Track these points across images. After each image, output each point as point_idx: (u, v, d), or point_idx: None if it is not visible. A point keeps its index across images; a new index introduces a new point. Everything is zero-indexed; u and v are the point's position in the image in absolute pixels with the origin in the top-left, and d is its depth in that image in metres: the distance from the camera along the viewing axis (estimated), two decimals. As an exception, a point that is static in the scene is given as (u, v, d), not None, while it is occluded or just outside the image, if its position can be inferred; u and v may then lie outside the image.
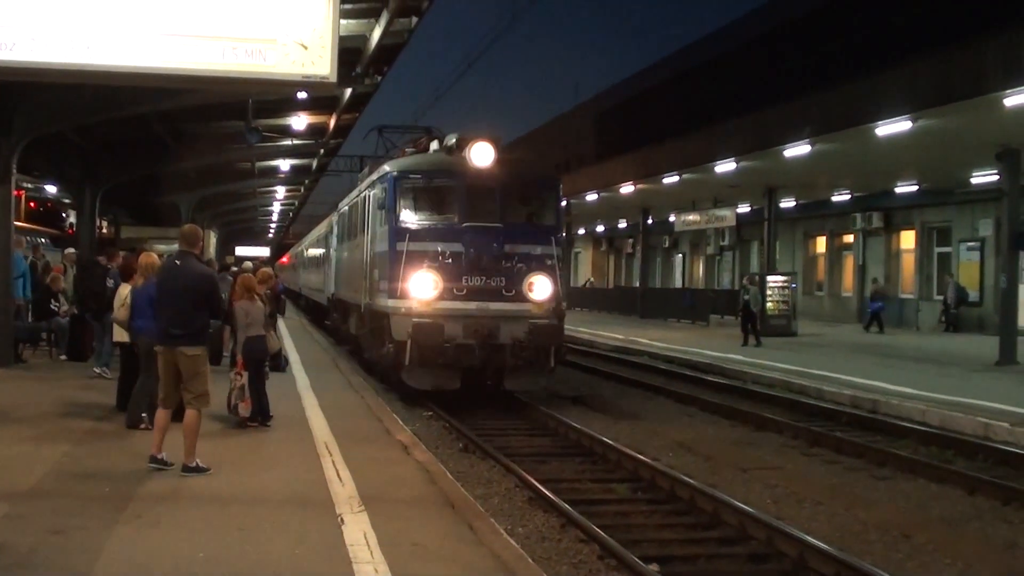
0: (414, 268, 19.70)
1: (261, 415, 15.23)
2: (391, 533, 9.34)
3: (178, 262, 12.11)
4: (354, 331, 27.20)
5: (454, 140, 21.50)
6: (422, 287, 19.65)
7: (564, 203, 23.13)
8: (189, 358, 11.69)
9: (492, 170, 20.33)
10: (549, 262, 20.40)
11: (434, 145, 23.13)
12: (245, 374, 15.31)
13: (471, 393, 20.31)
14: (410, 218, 20.74)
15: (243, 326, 15.46)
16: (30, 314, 23.70)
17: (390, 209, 20.69)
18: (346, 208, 31.35)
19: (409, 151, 24.29)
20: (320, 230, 46.80)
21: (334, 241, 35.37)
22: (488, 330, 19.49)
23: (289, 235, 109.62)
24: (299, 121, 34.62)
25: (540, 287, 20.07)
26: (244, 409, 15.20)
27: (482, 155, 20.31)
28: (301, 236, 76.10)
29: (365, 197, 24.61)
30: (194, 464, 11.60)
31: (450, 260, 19.84)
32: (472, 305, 19.74)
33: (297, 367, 23.64)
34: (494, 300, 19.84)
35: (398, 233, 20.22)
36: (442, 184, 21.08)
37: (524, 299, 19.94)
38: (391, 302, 20.06)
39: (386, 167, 22.33)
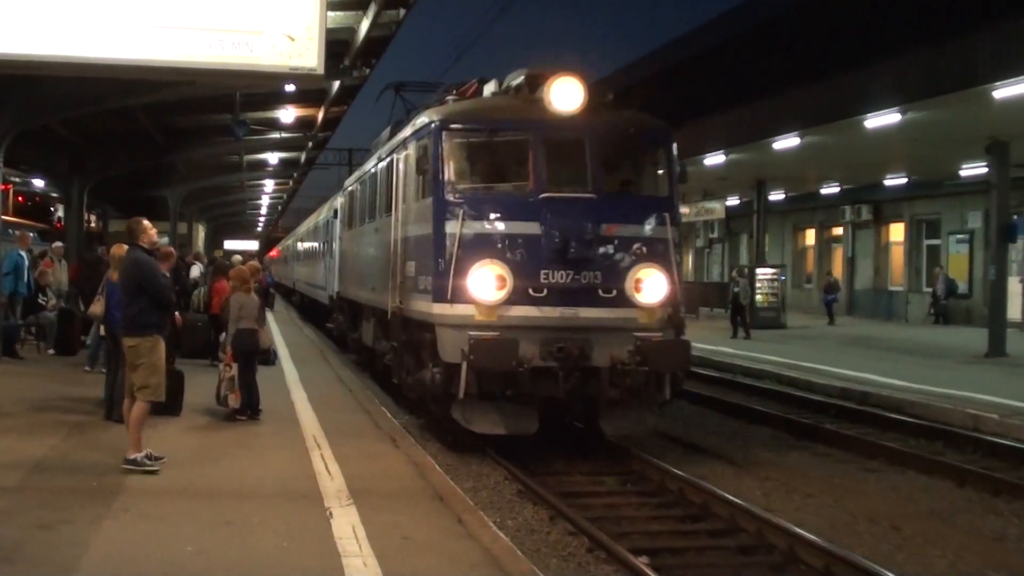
0: (471, 259, 14.21)
1: (251, 408, 15.21)
2: (380, 526, 9.33)
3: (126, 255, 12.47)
4: (370, 342, 21.41)
5: (522, 77, 15.87)
6: (483, 286, 14.12)
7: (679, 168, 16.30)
8: (128, 348, 11.73)
9: (581, 118, 14.82)
10: (663, 249, 14.88)
11: (490, 88, 17.19)
12: (234, 366, 15.31)
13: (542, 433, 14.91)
14: (464, 187, 15.15)
15: (235, 319, 15.44)
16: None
17: (435, 175, 14.87)
18: (356, 184, 24.99)
19: (451, 100, 17.32)
20: (318, 217, 40.62)
21: (338, 228, 29.47)
22: (578, 348, 14.12)
23: (278, 229, 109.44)
24: (287, 114, 34.53)
25: (652, 285, 14.50)
26: (234, 401, 15.20)
27: (567, 96, 14.79)
28: (290, 230, 75.54)
29: (391, 164, 18.22)
30: (133, 457, 11.39)
31: (522, 246, 14.33)
32: (555, 312, 14.22)
33: (286, 361, 23.59)
34: (586, 304, 14.33)
35: (447, 209, 14.66)
36: (510, 138, 15.29)
37: (629, 302, 14.45)
38: (438, 307, 14.43)
39: (425, 117, 16.17)
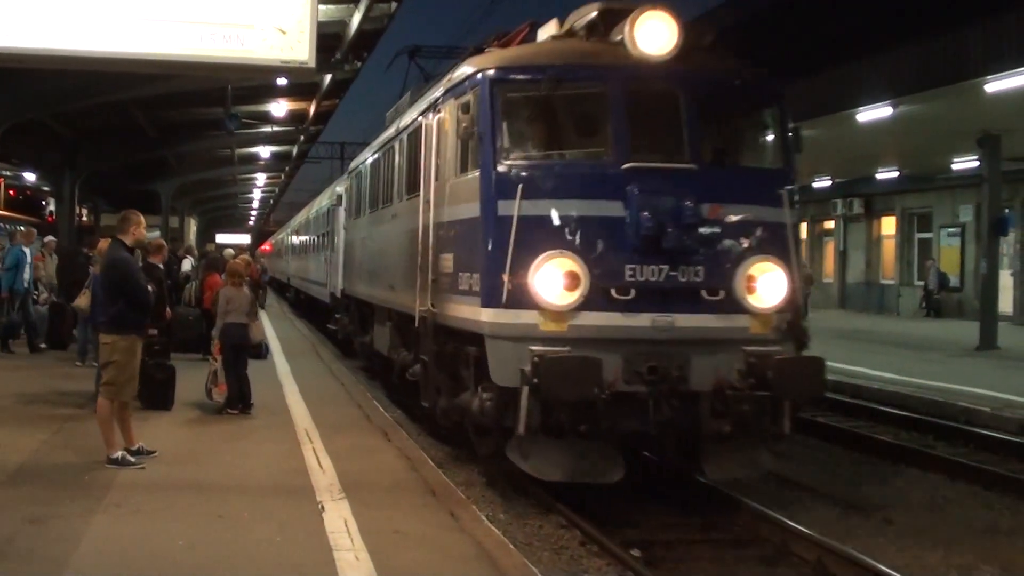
0: (534, 249, 11.06)
1: (242, 402, 15.19)
2: (372, 520, 9.32)
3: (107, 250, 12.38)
4: (385, 350, 18.09)
5: (594, 14, 12.27)
6: (550, 285, 10.97)
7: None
8: (104, 345, 11.70)
9: (674, 65, 11.53)
10: (780, 236, 11.70)
11: (548, 31, 13.50)
12: (219, 359, 15.35)
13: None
14: (523, 156, 11.84)
15: (223, 312, 15.43)
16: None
17: (484, 141, 11.56)
18: (366, 164, 21.50)
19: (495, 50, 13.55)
20: (318, 205, 36.94)
21: (342, 217, 26.36)
22: (675, 367, 11.05)
23: (270, 222, 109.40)
24: (279, 108, 34.53)
25: (768, 284, 11.41)
26: (218, 394, 15.25)
27: (656, 36, 11.44)
28: (282, 223, 75.34)
29: (416, 133, 14.95)
30: (114, 457, 11.31)
31: (601, 233, 11.17)
32: (644, 319, 11.10)
33: (278, 354, 23.58)
34: (684, 308, 11.24)
35: (501, 184, 11.39)
36: (583, 91, 11.98)
37: (739, 306, 11.34)
38: (488, 314, 11.27)
39: (468, 67, 12.71)
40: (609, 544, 10.12)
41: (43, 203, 62.00)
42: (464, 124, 11.91)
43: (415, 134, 15.04)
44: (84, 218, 50.72)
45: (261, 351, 21.16)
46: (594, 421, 10.74)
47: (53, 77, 21.02)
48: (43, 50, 11.09)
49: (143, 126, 34.14)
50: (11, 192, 58.74)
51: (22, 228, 27.93)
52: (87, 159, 35.43)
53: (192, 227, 70.25)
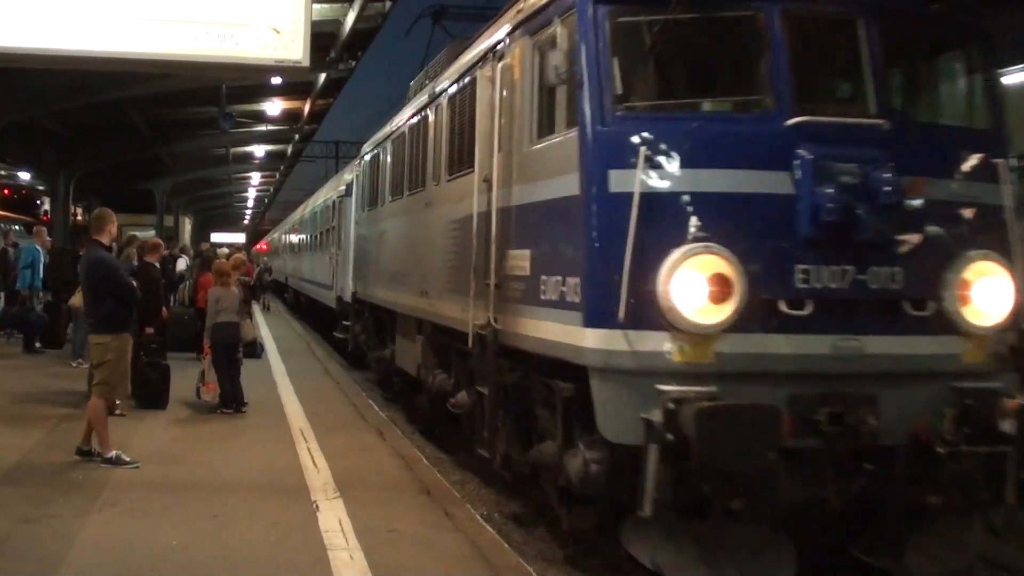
0: (663, 240, 7.84)
1: (235, 402, 15.19)
2: (366, 519, 9.33)
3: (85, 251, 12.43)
4: (413, 368, 15.18)
5: None
6: (692, 295, 7.75)
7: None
8: (95, 345, 11.66)
9: None
10: (998, 223, 8.47)
11: None
12: (207, 358, 15.40)
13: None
14: (641, 106, 8.60)
15: (212, 312, 15.45)
16: (2, 300, 23.55)
17: (586, 83, 8.27)
18: (384, 147, 18.18)
19: None
20: (321, 198, 33.48)
21: (352, 209, 23.01)
22: (865, 410, 7.85)
23: (265, 221, 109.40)
24: (273, 107, 34.54)
25: (988, 292, 8.23)
26: (206, 393, 15.35)
27: None
28: (277, 222, 75.01)
29: (468, 90, 11.68)
30: (109, 456, 11.33)
31: (760, 218, 7.99)
32: (821, 344, 7.93)
33: (273, 353, 23.58)
34: (876, 328, 8.05)
35: (612, 145, 8.13)
36: (727, 15, 8.64)
37: (949, 324, 8.19)
38: (595, 336, 8.01)
39: None
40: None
41: (38, 202, 61.98)
42: (553, 66, 8.45)
43: (463, 94, 11.74)
44: (79, 217, 50.66)
45: (256, 350, 21.16)
46: (758, 494, 7.50)
47: (47, 76, 21.03)
48: (37, 49, 11.09)
49: (138, 125, 34.12)
50: (6, 191, 58.67)
51: (16, 227, 27.99)
52: (82, 158, 35.41)
53: (187, 226, 70.16)
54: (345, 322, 23.12)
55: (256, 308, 30.69)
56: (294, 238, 45.01)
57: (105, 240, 11.94)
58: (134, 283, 12.02)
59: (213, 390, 15.31)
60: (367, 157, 20.63)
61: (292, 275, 44.87)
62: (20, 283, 21.92)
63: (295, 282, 43.25)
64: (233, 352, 15.44)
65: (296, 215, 47.78)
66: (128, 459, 11.33)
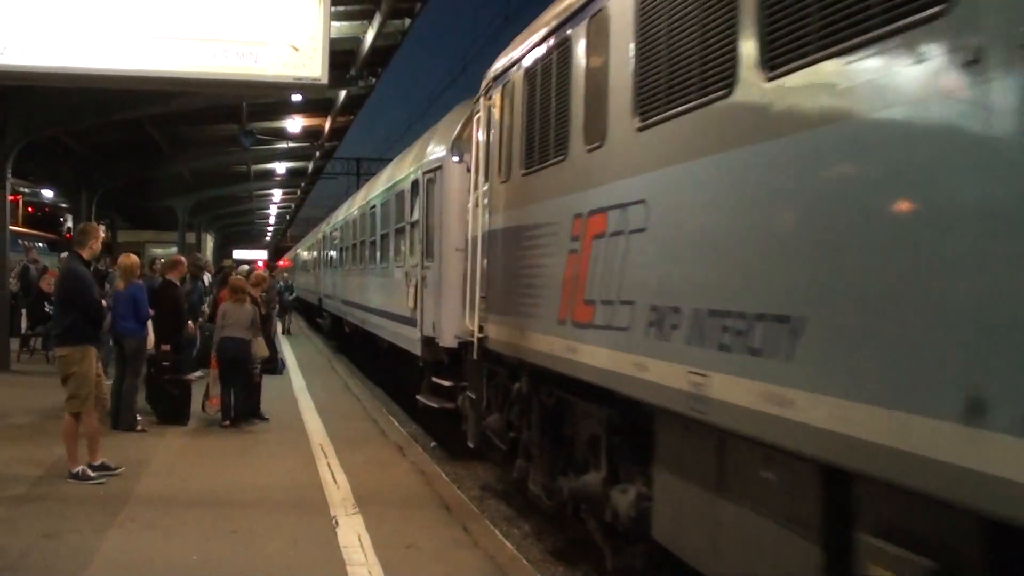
0: None
1: (235, 415, 15.25)
2: (385, 535, 9.33)
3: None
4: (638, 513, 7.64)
5: None
6: None
7: None
8: (59, 357, 11.68)
9: None
10: None
11: None
12: (212, 372, 15.62)
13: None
14: None
15: (219, 326, 15.56)
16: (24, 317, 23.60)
17: None
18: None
19: None
20: (382, 183, 23.86)
21: (462, 185, 14.66)
22: None
23: (287, 238, 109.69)
24: (294, 124, 34.57)
25: None
26: (210, 408, 15.37)
27: None
28: (299, 239, 74.84)
29: None
30: (75, 472, 11.25)
31: None
32: None
33: (293, 370, 23.63)
34: None
35: None
36: None
37: None
38: None
39: None
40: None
41: (61, 219, 62.35)
42: None
43: None
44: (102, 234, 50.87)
45: (276, 366, 21.21)
46: None
47: (69, 95, 21.17)
48: (59, 68, 11.23)
49: (159, 143, 34.26)
50: (30, 209, 59.09)
51: (39, 244, 27.98)
52: (103, 176, 35.56)
53: (209, 243, 70.39)
54: (441, 380, 15.49)
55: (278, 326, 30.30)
56: (332, 252, 36.55)
57: (85, 255, 11.83)
58: (103, 301, 11.94)
59: (216, 405, 15.39)
60: (519, 73, 10.72)
61: (332, 296, 36.23)
62: None
63: (335, 305, 34.67)
64: (239, 367, 15.46)
65: (336, 218, 37.23)
66: (93, 475, 11.23)
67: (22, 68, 11.24)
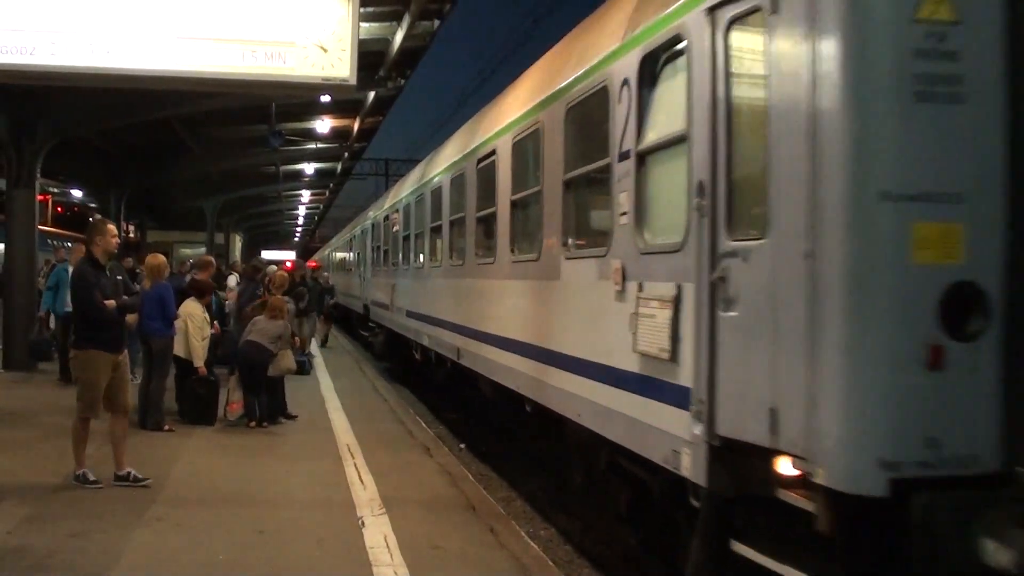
0: None
1: (271, 416, 15.38)
2: (411, 536, 9.32)
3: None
4: None
5: None
6: None
7: None
8: (71, 359, 11.56)
9: None
10: None
11: None
12: (232, 378, 15.71)
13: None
14: None
15: (247, 331, 15.62)
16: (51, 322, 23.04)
17: None
18: None
19: None
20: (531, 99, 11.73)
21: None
22: None
23: (316, 239, 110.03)
24: (323, 125, 34.64)
25: None
26: (231, 413, 15.37)
27: None
28: (327, 240, 74.53)
29: None
30: (77, 473, 11.04)
31: None
32: None
33: (321, 370, 23.65)
34: None
35: None
36: None
37: None
38: None
39: None
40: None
41: (91, 219, 62.71)
42: None
43: None
44: (131, 235, 51.17)
45: (304, 367, 21.21)
46: None
47: (98, 95, 21.24)
48: (87, 68, 11.28)
49: (187, 143, 34.39)
50: (59, 208, 59.43)
51: (69, 244, 27.52)
52: (132, 176, 35.76)
53: (237, 243, 70.68)
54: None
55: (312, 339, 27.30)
56: (394, 238, 24.87)
57: (97, 253, 11.15)
58: (106, 303, 11.00)
59: (236, 410, 15.38)
60: None
61: (386, 305, 25.54)
62: (45, 304, 20.48)
63: (394, 319, 23.98)
64: (255, 371, 15.44)
65: (402, 192, 24.39)
66: (92, 479, 10.97)
67: (51, 68, 11.29)
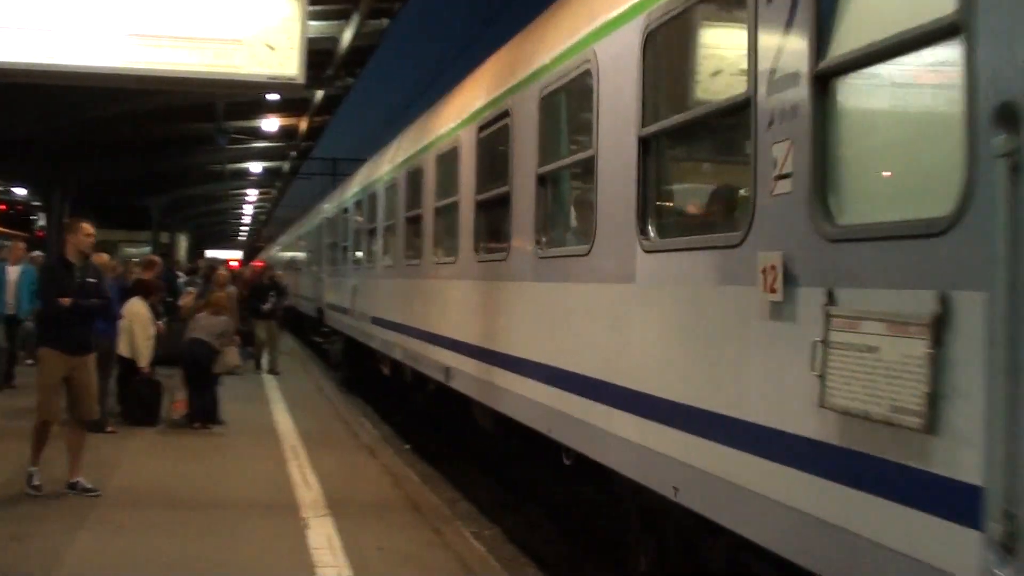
0: None
1: (204, 417, 15.17)
2: (356, 537, 9.31)
3: None
4: None
5: None
6: None
7: None
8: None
9: None
10: None
11: None
12: (177, 374, 15.61)
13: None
14: None
15: (189, 328, 15.56)
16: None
17: None
18: None
19: None
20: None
21: None
22: None
23: (261, 238, 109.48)
24: (270, 123, 34.48)
25: None
26: (174, 412, 15.30)
27: None
28: (273, 239, 73.78)
29: None
30: (29, 471, 10.73)
31: None
32: None
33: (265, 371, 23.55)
34: None
35: None
36: None
37: None
38: None
39: None
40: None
41: (33, 218, 61.98)
42: None
43: None
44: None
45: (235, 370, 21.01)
46: None
47: (42, 92, 21.02)
48: (31, 64, 11.15)
49: (133, 141, 34.12)
50: (2, 207, 58.74)
51: (8, 243, 26.85)
52: (76, 174, 35.41)
53: (183, 243, 70.19)
54: None
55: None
56: (364, 230, 21.14)
57: (70, 252, 10.98)
58: (60, 300, 10.66)
59: (180, 408, 15.30)
60: None
61: (347, 309, 22.55)
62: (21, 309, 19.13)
63: (357, 326, 20.82)
64: (199, 368, 15.36)
65: (380, 170, 19.65)
66: (37, 483, 10.67)
67: (-6, 64, 11.17)
